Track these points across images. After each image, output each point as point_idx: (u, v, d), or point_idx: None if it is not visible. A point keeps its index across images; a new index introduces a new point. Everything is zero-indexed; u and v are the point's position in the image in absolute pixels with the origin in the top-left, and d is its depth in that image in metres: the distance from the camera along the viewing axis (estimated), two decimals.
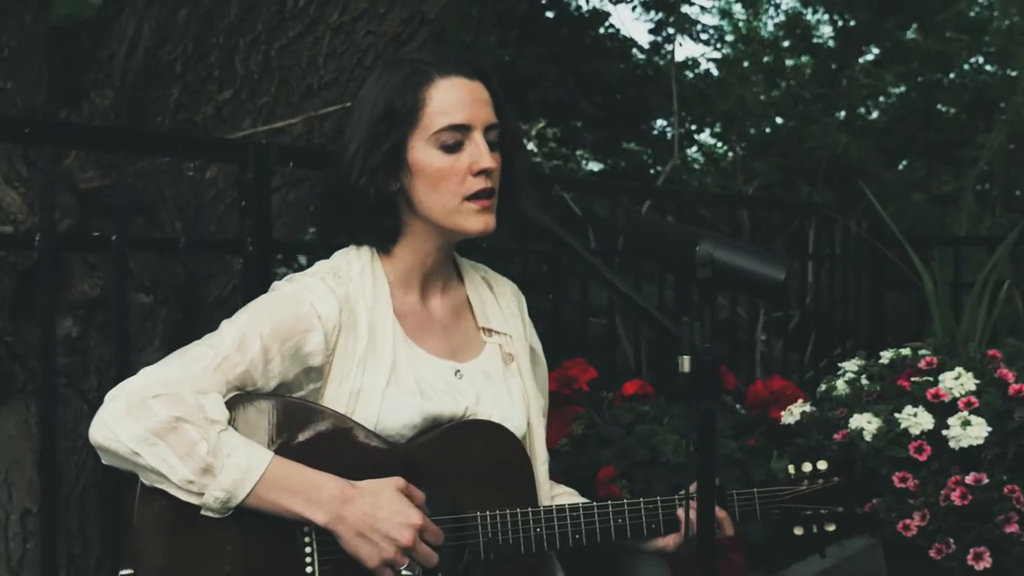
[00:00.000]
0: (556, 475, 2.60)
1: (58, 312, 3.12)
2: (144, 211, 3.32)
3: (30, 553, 2.86)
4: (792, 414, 2.59)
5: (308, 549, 1.83)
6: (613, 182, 5.60)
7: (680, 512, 2.07)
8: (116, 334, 2.47)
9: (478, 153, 1.97)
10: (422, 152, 1.97)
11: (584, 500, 2.22)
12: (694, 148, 9.67)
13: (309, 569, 1.83)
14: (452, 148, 1.97)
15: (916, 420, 2.36)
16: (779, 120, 8.07)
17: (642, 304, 2.29)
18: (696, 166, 9.12)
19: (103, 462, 1.80)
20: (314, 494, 1.79)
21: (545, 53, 7.54)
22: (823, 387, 2.65)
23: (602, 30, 7.91)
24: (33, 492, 2.91)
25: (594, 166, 8.94)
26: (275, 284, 1.99)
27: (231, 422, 1.81)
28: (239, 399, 1.85)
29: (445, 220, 1.99)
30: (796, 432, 2.58)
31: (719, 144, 9.20)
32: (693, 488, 1.91)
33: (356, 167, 1.96)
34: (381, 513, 1.80)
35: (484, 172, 1.98)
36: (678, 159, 5.59)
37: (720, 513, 2.09)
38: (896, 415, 2.39)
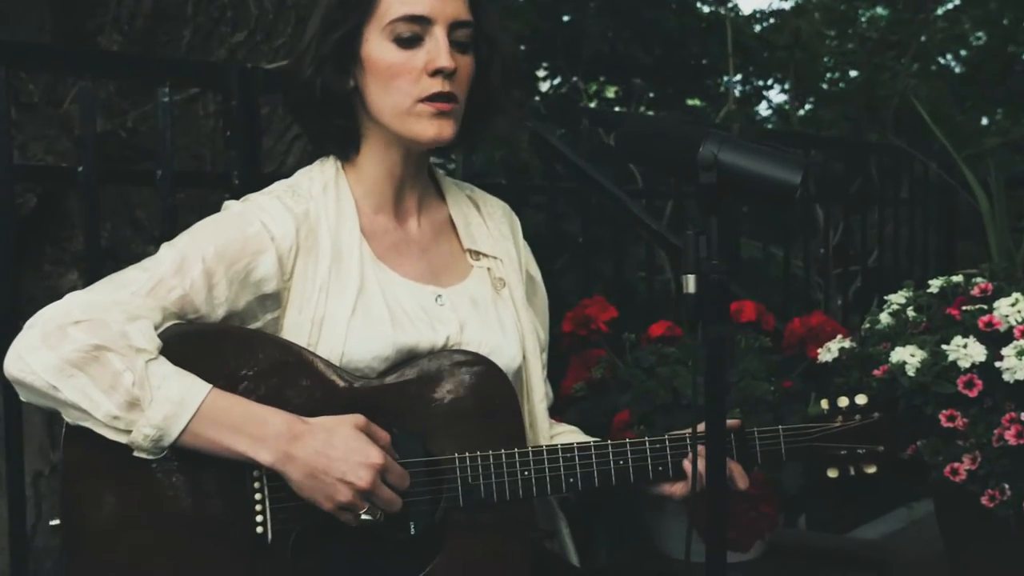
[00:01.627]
0: (572, 422, 2.40)
1: (61, 265, 3.00)
2: (152, 156, 3.18)
3: (45, 516, 2.73)
4: (830, 351, 2.34)
5: (259, 496, 1.64)
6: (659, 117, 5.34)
7: (686, 462, 1.84)
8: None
9: (436, 50, 1.76)
10: (375, 45, 1.77)
11: (589, 438, 2.00)
12: (763, 105, 9.30)
13: (260, 518, 1.64)
14: (408, 42, 1.76)
15: (966, 351, 2.09)
16: (853, 73, 7.70)
17: (649, 222, 2.07)
18: (769, 124, 8.76)
19: (22, 399, 1.62)
20: (258, 431, 1.59)
21: (600, 4, 7.25)
22: (867, 323, 2.39)
23: None
24: (44, 454, 2.79)
25: None
26: (226, 203, 1.80)
27: (166, 353, 1.62)
28: (176, 328, 1.66)
29: (396, 123, 1.78)
30: (835, 371, 2.33)
31: (787, 102, 8.83)
32: (702, 428, 1.69)
33: (306, 59, 1.78)
34: (335, 452, 1.60)
35: (441, 72, 1.76)
36: (732, 106, 5.30)
37: (731, 465, 1.85)
38: (943, 347, 2.13)
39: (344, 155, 1.84)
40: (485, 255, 1.93)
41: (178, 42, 3.14)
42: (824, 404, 1.98)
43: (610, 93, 8.62)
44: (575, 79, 8.29)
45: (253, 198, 1.79)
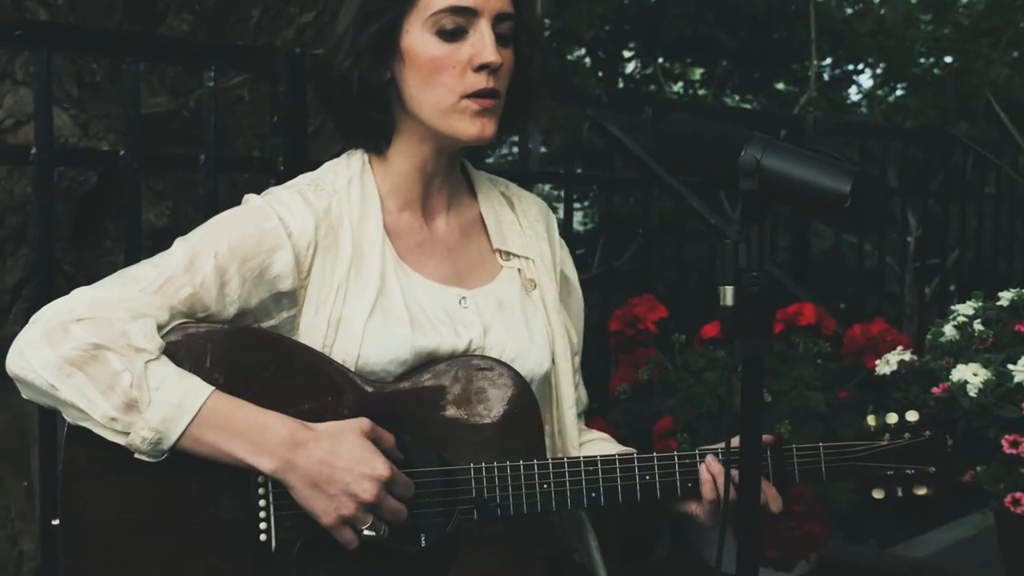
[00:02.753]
0: (615, 427, 2.30)
1: (123, 241, 2.99)
2: (218, 135, 3.15)
3: None
4: (888, 363, 2.20)
5: (263, 502, 1.58)
6: (726, 107, 5.16)
7: (704, 469, 1.73)
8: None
9: (481, 44, 1.68)
10: (417, 37, 1.68)
11: (622, 449, 1.91)
12: (853, 89, 9.03)
13: (263, 525, 1.58)
14: (452, 35, 1.68)
15: None
16: (948, 59, 7.41)
17: (707, 215, 1.95)
18: (862, 109, 8.50)
19: (24, 396, 1.57)
20: (259, 437, 1.53)
21: None
22: (930, 333, 2.25)
23: None
24: None
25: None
26: (246, 197, 1.73)
27: (172, 352, 1.56)
28: (185, 327, 1.60)
29: (437, 120, 1.70)
30: (893, 384, 2.20)
31: (881, 88, 8.55)
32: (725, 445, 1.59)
33: (342, 50, 1.69)
34: (339, 461, 1.53)
35: (487, 67, 1.68)
36: (814, 93, 5.11)
37: (764, 487, 1.73)
38: (1010, 366, 1.99)
39: (375, 148, 1.77)
40: (516, 255, 1.85)
41: (247, 22, 3.10)
42: (871, 420, 1.86)
43: (695, 75, 8.44)
44: (661, 60, 8.14)
45: (275, 192, 1.72)
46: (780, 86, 8.30)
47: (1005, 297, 2.19)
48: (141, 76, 3.04)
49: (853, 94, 8.93)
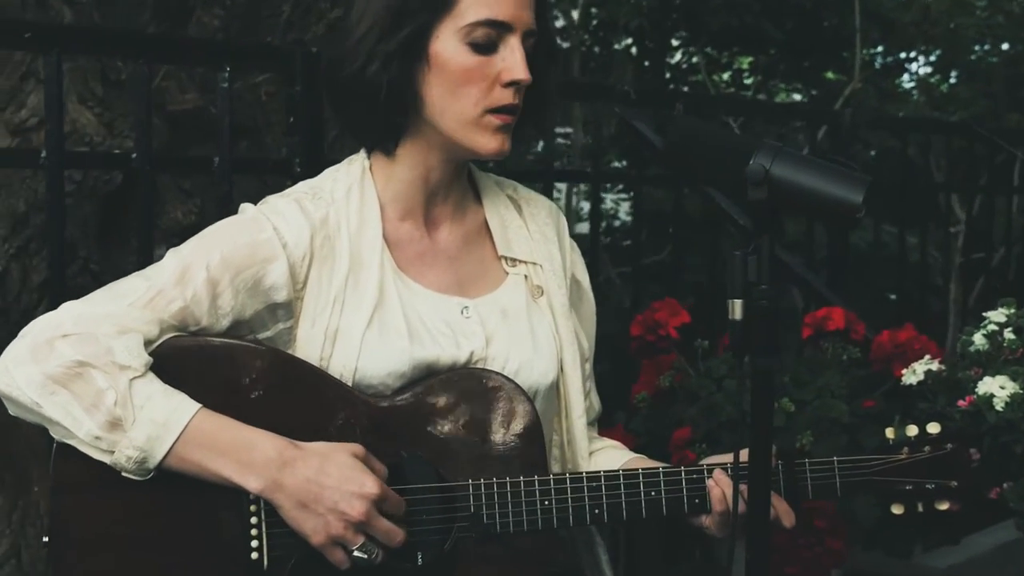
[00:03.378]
0: (635, 435, 2.26)
1: (150, 240, 2.99)
2: (248, 134, 3.13)
3: None
4: (915, 373, 2.13)
5: (255, 520, 1.55)
6: (758, 102, 5.06)
7: (712, 483, 1.68)
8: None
9: (513, 60, 1.64)
10: (448, 44, 1.64)
11: (633, 457, 1.86)
12: (905, 77, 8.85)
13: (255, 543, 1.55)
14: (484, 48, 1.64)
15: None
16: (1005, 46, 7.24)
17: (736, 216, 1.89)
18: (915, 97, 8.34)
19: (10, 413, 1.55)
20: (246, 455, 1.50)
21: None
22: (960, 341, 2.18)
23: None
24: None
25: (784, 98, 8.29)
26: (242, 206, 1.70)
27: (163, 367, 1.53)
28: (176, 341, 1.57)
29: (457, 131, 1.66)
30: (920, 394, 2.13)
31: (928, 75, 8.38)
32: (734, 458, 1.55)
33: (364, 51, 1.64)
34: (327, 480, 1.50)
35: (515, 84, 1.65)
36: (859, 83, 4.99)
37: (775, 501, 1.68)
38: None
39: (384, 148, 1.72)
40: (522, 261, 1.80)
41: (278, 18, 3.08)
42: (889, 433, 1.80)
43: (744, 64, 8.32)
44: (708, 50, 8.03)
45: (271, 200, 1.69)
46: (830, 75, 8.16)
47: None
48: (169, 74, 3.04)
49: (906, 82, 8.77)
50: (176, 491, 1.52)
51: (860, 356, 2.46)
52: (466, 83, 1.64)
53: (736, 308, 1.55)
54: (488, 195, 1.83)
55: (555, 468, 1.81)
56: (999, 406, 1.90)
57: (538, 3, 1.71)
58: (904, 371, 2.16)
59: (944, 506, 1.78)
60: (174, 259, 1.61)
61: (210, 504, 1.53)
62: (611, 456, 1.87)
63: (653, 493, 1.68)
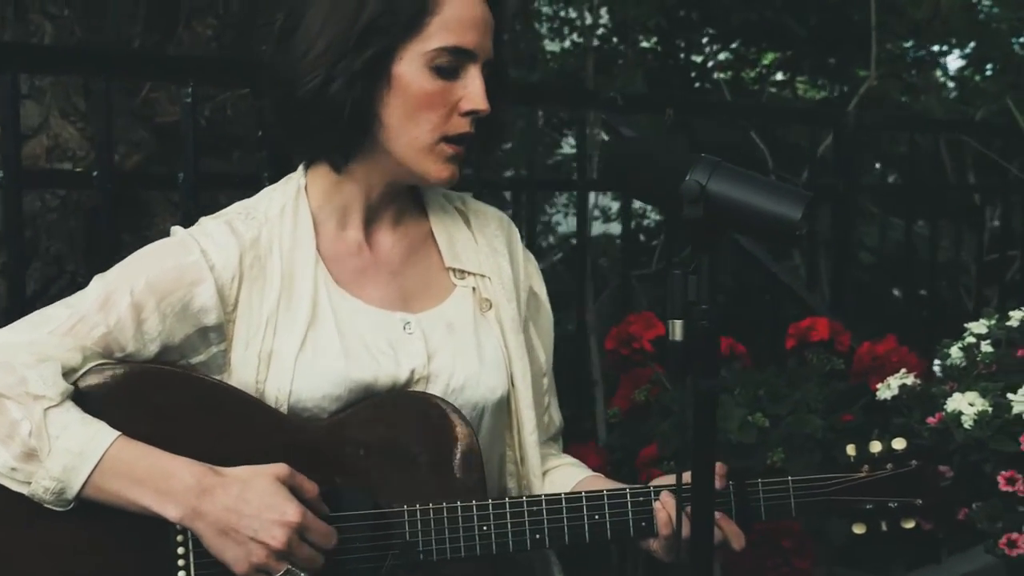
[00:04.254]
0: (609, 451, 2.22)
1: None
2: (240, 144, 3.12)
3: None
4: (889, 387, 2.06)
5: (181, 549, 1.52)
6: (758, 104, 4.96)
7: (658, 505, 1.64)
8: None
9: (474, 89, 1.62)
10: (412, 67, 1.61)
11: (590, 475, 1.82)
12: (938, 72, 8.70)
13: (182, 574, 1.52)
14: (446, 74, 1.61)
15: None
16: None
17: None
18: (952, 92, 8.19)
19: None
20: (164, 484, 1.47)
21: None
22: (938, 354, 2.11)
23: None
24: None
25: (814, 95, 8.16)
26: (173, 229, 1.68)
27: (87, 396, 1.51)
28: (101, 368, 1.55)
29: (409, 156, 1.63)
30: (896, 409, 2.06)
31: (967, 70, 8.22)
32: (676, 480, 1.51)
33: (324, 67, 1.59)
34: (248, 508, 1.47)
35: (474, 114, 1.63)
36: (874, 81, 4.89)
37: (723, 523, 1.63)
38: (1009, 396, 1.84)
39: (334, 164, 1.68)
40: (471, 273, 1.76)
41: (272, 26, 3.07)
42: (850, 450, 1.74)
43: (766, 60, 8.21)
44: (735, 45, 7.93)
45: (203, 222, 1.66)
46: (862, 72, 8.02)
47: (1016, 317, 2.04)
48: (158, 86, 3.03)
49: (941, 76, 8.62)
50: (102, 520, 1.50)
51: (844, 368, 2.40)
52: (425, 108, 1.61)
53: (676, 328, 1.50)
54: (433, 206, 1.79)
55: (510, 485, 1.78)
56: (967, 424, 1.83)
57: (497, 33, 1.68)
58: (879, 385, 2.09)
59: (910, 524, 1.73)
60: (99, 285, 1.59)
61: (137, 533, 1.51)
62: (567, 474, 1.83)
63: (597, 516, 1.64)
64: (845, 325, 2.55)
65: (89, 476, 1.46)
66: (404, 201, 1.76)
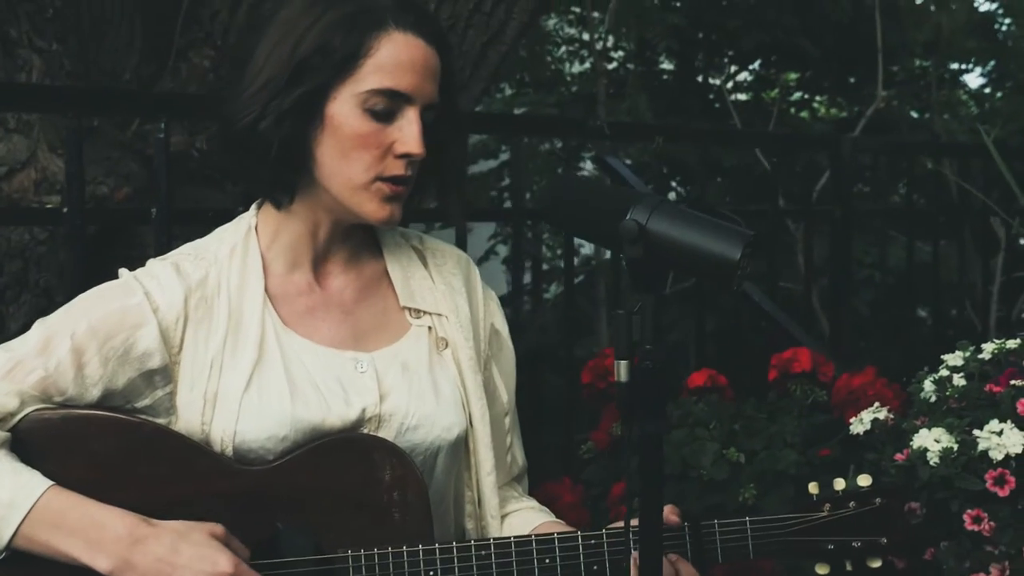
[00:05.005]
0: (586, 487, 2.19)
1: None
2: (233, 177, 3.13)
3: None
4: (862, 422, 2.03)
5: None
6: (753, 132, 4.92)
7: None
8: None
9: (409, 132, 1.61)
10: (345, 107, 1.60)
11: (549, 521, 1.80)
12: (961, 91, 8.62)
13: None
14: (380, 116, 1.60)
15: (999, 440, 1.76)
16: None
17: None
18: (972, 109, 8.12)
19: None
20: (95, 534, 1.46)
21: None
22: (910, 388, 2.07)
23: None
24: None
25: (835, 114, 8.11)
26: (120, 271, 1.67)
27: (24, 442, 1.51)
28: (40, 414, 1.54)
29: (345, 196, 1.63)
30: (869, 445, 2.03)
31: (988, 87, 8.16)
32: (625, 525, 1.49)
33: (259, 104, 1.59)
34: (179, 559, 1.45)
35: (408, 157, 1.61)
36: (881, 102, 4.85)
37: (680, 566, 1.61)
38: (975, 432, 1.80)
39: (276, 202, 1.69)
40: (426, 312, 1.75)
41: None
42: (812, 488, 1.71)
43: (791, 78, 8.17)
44: (755, 66, 7.90)
45: (150, 264, 1.66)
46: (883, 92, 7.96)
47: (987, 349, 2.00)
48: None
49: (962, 95, 8.55)
50: (38, 571, 1.48)
51: (826, 400, 2.37)
52: (358, 148, 1.61)
53: (621, 369, 1.49)
54: (388, 246, 1.78)
55: (468, 525, 1.76)
56: (932, 461, 1.79)
57: (444, 76, 1.67)
58: (852, 420, 2.06)
59: (876, 563, 1.70)
60: (39, 329, 1.59)
61: None
62: (526, 518, 1.81)
63: (548, 560, 1.62)
64: (844, 355, 2.52)
65: (19, 526, 1.45)
66: (357, 240, 1.75)
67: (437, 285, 1.78)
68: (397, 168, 1.62)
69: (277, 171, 1.63)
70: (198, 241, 1.71)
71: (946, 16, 4.77)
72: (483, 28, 3.30)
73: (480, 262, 3.67)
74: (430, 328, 1.75)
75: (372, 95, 1.59)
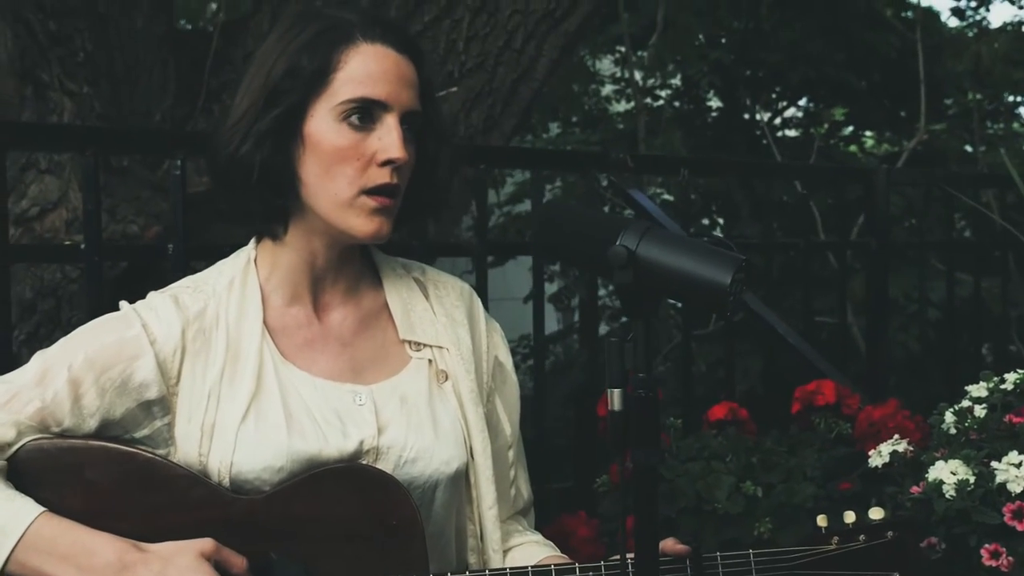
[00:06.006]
0: (602, 521, 2.17)
1: None
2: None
3: None
4: (880, 454, 1.98)
5: None
6: (820, 165, 4.85)
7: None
8: None
9: (389, 139, 1.60)
10: (322, 123, 1.60)
11: (552, 555, 1.78)
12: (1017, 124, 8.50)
13: None
14: (359, 127, 1.60)
15: (1018, 473, 1.71)
16: None
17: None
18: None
19: None
20: (85, 560, 1.47)
21: (811, 23, 6.79)
22: (931, 420, 2.02)
23: None
24: None
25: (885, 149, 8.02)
26: (121, 303, 1.69)
27: (20, 470, 1.52)
28: (37, 443, 1.55)
29: (332, 213, 1.62)
30: (887, 478, 1.98)
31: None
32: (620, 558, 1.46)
33: (239, 132, 1.61)
34: None
35: (391, 163, 1.60)
36: (924, 135, 4.78)
37: None
38: (994, 464, 1.75)
39: (271, 232, 1.69)
40: (427, 345, 1.74)
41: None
42: (821, 520, 1.67)
43: (839, 116, 8.11)
44: (806, 103, 7.85)
45: (149, 296, 1.67)
46: (938, 126, 7.87)
47: (1010, 379, 1.94)
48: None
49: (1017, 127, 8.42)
50: None
51: (851, 433, 2.32)
52: (340, 162, 1.60)
53: (615, 398, 1.47)
54: (389, 277, 1.78)
55: (471, 559, 1.74)
56: (948, 494, 1.74)
57: (423, 85, 1.68)
58: (871, 452, 2.01)
59: None
60: (38, 360, 1.60)
61: None
62: (529, 552, 1.78)
63: None
64: (878, 390, 2.47)
65: (11, 552, 1.46)
66: (356, 271, 1.74)
67: (438, 317, 1.77)
68: (382, 177, 1.61)
69: (264, 197, 1.63)
70: (198, 274, 1.72)
71: (985, 45, 4.69)
72: (513, 65, 3.32)
73: (526, 299, 3.64)
74: (430, 361, 1.74)
75: (347, 105, 1.60)
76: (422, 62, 1.69)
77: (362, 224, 1.62)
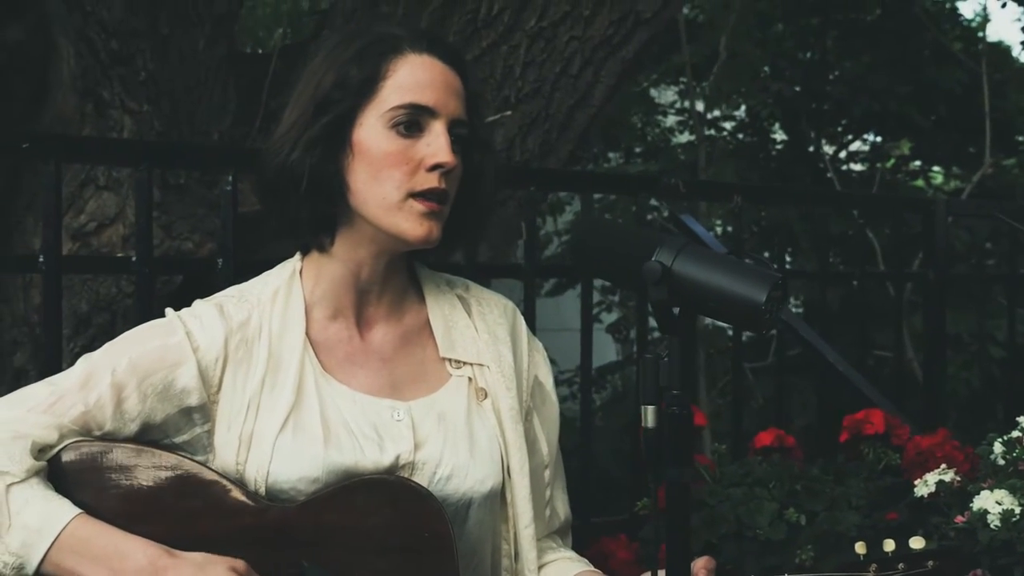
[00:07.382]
0: (642, 544, 2.15)
1: None
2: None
3: None
4: (927, 484, 1.94)
5: None
6: (877, 194, 4.79)
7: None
8: None
9: (437, 145, 1.61)
10: (371, 130, 1.62)
11: (587, 570, 1.76)
12: None
13: None
14: (407, 133, 1.62)
15: None
16: None
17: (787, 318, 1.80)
18: None
19: None
20: (118, 563, 1.48)
21: (878, 59, 6.73)
22: (979, 449, 1.98)
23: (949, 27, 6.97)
24: None
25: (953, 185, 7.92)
26: (166, 310, 1.71)
27: (61, 473, 1.54)
28: (78, 445, 1.57)
29: (381, 217, 1.63)
30: (934, 508, 1.94)
31: None
32: None
33: (289, 141, 1.63)
34: None
35: (440, 168, 1.61)
36: (989, 168, 4.71)
37: None
38: None
39: (319, 244, 1.70)
40: (467, 363, 1.74)
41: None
42: (859, 548, 1.64)
43: (905, 149, 8.02)
44: (873, 137, 7.78)
45: (195, 304, 1.69)
46: (1009, 161, 7.74)
47: None
48: (240, 176, 3.15)
49: None
50: None
51: (899, 463, 2.27)
52: (388, 167, 1.61)
53: (649, 415, 1.46)
54: (432, 294, 1.78)
55: None
56: (993, 524, 1.70)
57: (469, 95, 1.69)
58: (917, 482, 1.97)
59: None
60: (83, 364, 1.62)
61: None
62: (562, 568, 1.77)
63: None
64: (935, 424, 2.43)
65: (46, 552, 1.48)
66: (401, 287, 1.75)
67: (480, 334, 1.77)
68: (430, 181, 1.61)
69: (313, 204, 1.64)
70: (244, 284, 1.74)
71: None
72: (570, 91, 3.32)
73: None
74: (470, 379, 1.73)
75: (396, 111, 1.61)
76: (467, 75, 1.70)
77: (412, 228, 1.62)
